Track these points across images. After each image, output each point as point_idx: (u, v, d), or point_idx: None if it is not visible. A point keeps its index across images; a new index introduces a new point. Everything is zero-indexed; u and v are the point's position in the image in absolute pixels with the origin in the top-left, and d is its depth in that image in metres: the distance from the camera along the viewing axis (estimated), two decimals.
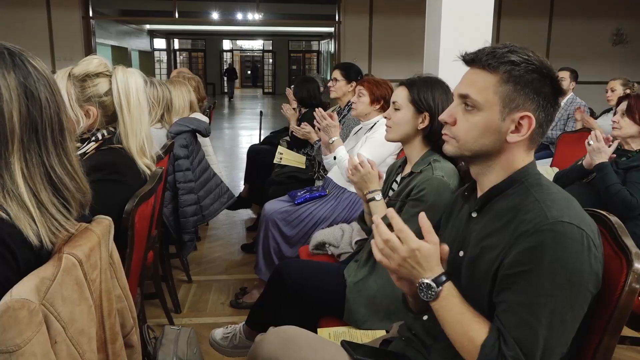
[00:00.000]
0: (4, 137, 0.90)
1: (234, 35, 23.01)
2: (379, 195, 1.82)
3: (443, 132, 1.16)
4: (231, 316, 2.72)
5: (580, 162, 2.41)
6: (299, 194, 2.77)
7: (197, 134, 2.93)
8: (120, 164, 1.59)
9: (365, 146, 2.53)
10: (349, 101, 3.32)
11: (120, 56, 14.10)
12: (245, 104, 18.29)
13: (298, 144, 3.86)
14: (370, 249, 1.86)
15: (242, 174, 4.93)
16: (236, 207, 4.20)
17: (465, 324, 1.02)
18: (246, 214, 4.51)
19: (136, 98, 1.63)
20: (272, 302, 1.92)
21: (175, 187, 2.70)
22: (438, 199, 1.62)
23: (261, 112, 6.72)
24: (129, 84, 1.61)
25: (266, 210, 2.73)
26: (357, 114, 2.76)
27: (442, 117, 1.15)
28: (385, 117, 1.84)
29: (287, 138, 4.24)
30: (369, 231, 1.92)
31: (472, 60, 1.09)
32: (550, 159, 3.77)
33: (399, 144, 2.39)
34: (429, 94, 1.76)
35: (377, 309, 1.77)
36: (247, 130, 11.08)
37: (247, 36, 23.15)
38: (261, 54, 24.72)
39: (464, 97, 1.09)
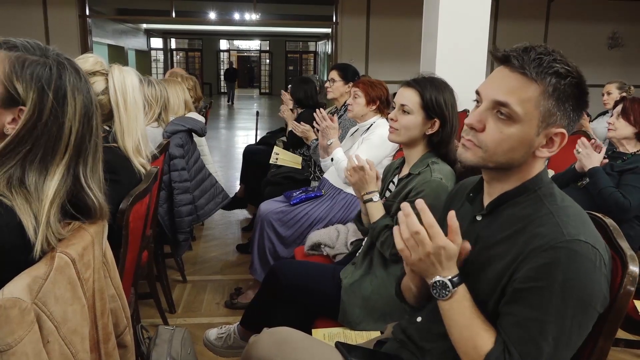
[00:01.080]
0: (56, 148, 0.96)
1: (231, 35, 22.98)
2: (376, 197, 1.81)
3: (465, 137, 1.05)
4: (226, 316, 2.71)
5: (573, 166, 2.42)
6: (294, 194, 2.76)
7: (193, 134, 2.93)
8: (114, 162, 1.58)
9: (362, 147, 2.52)
10: (345, 102, 3.31)
11: (117, 55, 14.08)
12: (242, 105, 18.28)
13: (294, 145, 3.85)
14: (365, 251, 1.87)
15: (238, 174, 4.93)
16: (232, 207, 4.20)
17: (473, 330, 1.00)
18: (242, 214, 4.51)
19: (132, 97, 1.63)
20: (266, 302, 1.92)
21: (171, 187, 2.70)
22: (436, 201, 1.60)
23: (257, 112, 6.70)
24: (126, 82, 1.61)
25: (262, 211, 2.73)
26: (353, 116, 2.76)
27: (470, 121, 1.04)
28: (392, 119, 1.79)
29: (284, 138, 4.23)
30: (365, 232, 1.91)
31: (520, 66, 0.98)
32: (546, 162, 3.78)
33: (396, 145, 2.39)
34: (440, 99, 1.71)
35: (372, 310, 1.76)
36: (243, 130, 11.08)
37: (244, 36, 23.13)
38: (258, 54, 24.71)
39: (500, 105, 1.00)
